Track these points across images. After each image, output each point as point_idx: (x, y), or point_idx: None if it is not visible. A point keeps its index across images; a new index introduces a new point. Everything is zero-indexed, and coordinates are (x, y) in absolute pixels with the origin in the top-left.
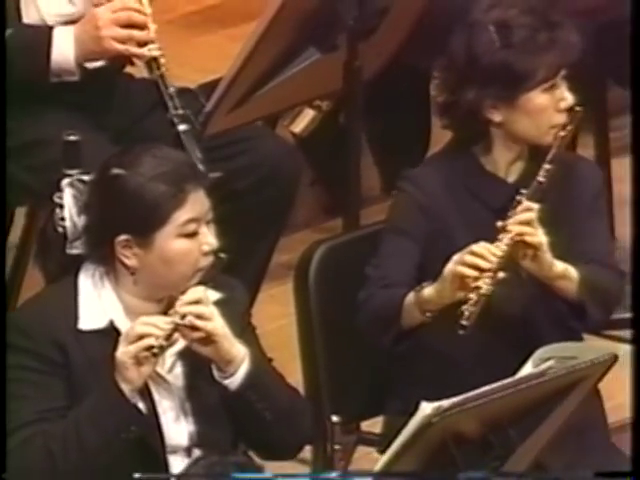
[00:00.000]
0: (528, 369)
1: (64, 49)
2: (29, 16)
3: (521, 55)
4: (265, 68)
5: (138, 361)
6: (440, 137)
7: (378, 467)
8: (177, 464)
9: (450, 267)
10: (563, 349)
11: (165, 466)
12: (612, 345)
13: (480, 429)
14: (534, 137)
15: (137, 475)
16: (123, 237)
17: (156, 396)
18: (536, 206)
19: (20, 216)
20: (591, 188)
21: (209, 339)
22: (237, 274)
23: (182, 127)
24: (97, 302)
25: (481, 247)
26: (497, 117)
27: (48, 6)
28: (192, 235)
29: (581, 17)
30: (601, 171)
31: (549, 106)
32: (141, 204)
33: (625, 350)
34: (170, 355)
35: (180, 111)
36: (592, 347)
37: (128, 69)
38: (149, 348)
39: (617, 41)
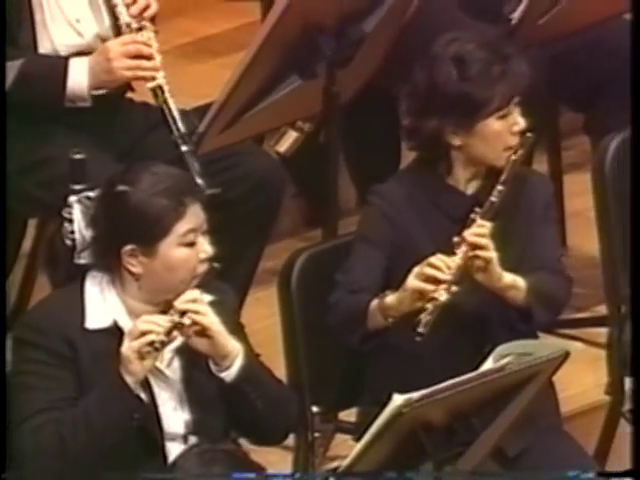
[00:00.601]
0: (489, 364)
1: (79, 78)
2: (43, 46)
3: (477, 86)
4: (252, 93)
5: (141, 355)
6: (409, 155)
7: (354, 453)
8: (174, 450)
9: (410, 280)
10: (520, 346)
11: (163, 452)
12: (564, 342)
13: (446, 418)
14: (490, 159)
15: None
16: (129, 247)
17: (155, 388)
18: (488, 224)
19: (30, 227)
20: (542, 199)
21: (206, 334)
22: (227, 279)
23: (185, 148)
24: (102, 304)
25: (438, 260)
26: (457, 141)
27: (60, 38)
28: (191, 244)
29: (535, 48)
30: (551, 183)
31: (503, 131)
32: (145, 217)
33: (576, 347)
34: (168, 351)
35: (183, 133)
36: (546, 344)
37: (129, 94)
38: (151, 343)
39: (568, 69)
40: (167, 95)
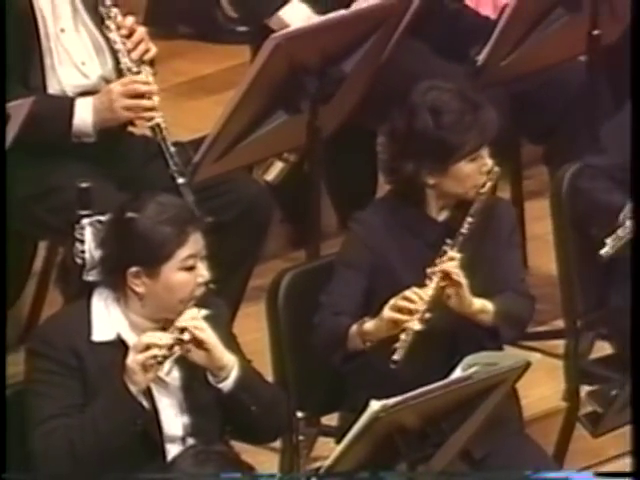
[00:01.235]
0: (458, 373)
1: (84, 117)
2: (52, 87)
3: (451, 133)
4: (243, 127)
5: (145, 368)
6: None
7: (334, 454)
8: (173, 451)
9: (386, 311)
10: (486, 357)
11: (163, 453)
12: (526, 353)
13: (419, 422)
14: (460, 194)
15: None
16: (134, 269)
17: (156, 395)
18: (459, 255)
19: (41, 249)
20: (507, 225)
21: (203, 348)
22: (221, 295)
23: (180, 180)
24: (107, 318)
25: (412, 293)
26: (431, 181)
27: (68, 79)
28: (191, 268)
29: (499, 87)
30: (515, 209)
31: (474, 172)
32: (150, 242)
33: (536, 357)
34: (168, 361)
35: (179, 167)
36: (509, 355)
37: (129, 128)
38: (154, 357)
39: (529, 106)
40: (165, 133)
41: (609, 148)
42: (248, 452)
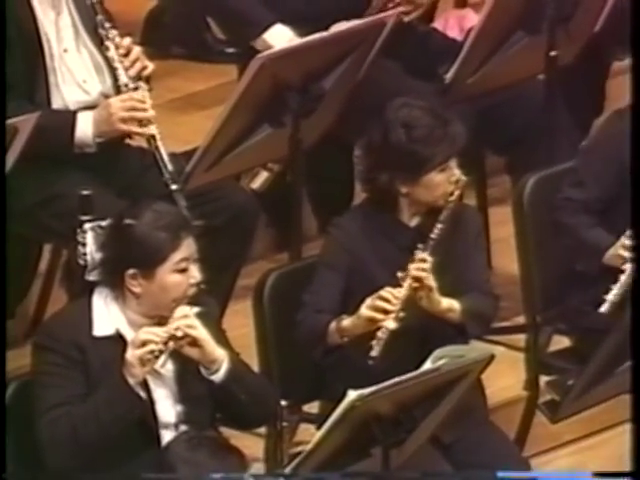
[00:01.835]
0: (428, 365)
1: (85, 129)
2: (56, 102)
3: (423, 146)
4: (231, 139)
5: (142, 362)
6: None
7: (315, 439)
8: (167, 436)
9: (363, 310)
10: (454, 350)
11: (158, 438)
12: (490, 347)
13: (392, 410)
14: (431, 202)
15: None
16: (131, 271)
17: (152, 386)
18: (429, 258)
19: (46, 252)
20: (473, 229)
21: (196, 344)
22: (211, 293)
23: (173, 187)
24: (106, 315)
25: (387, 292)
26: (404, 190)
27: (70, 96)
28: (183, 271)
29: (465, 103)
30: (480, 215)
31: (443, 181)
32: (147, 247)
33: (499, 350)
34: (163, 355)
35: (172, 175)
36: (475, 348)
37: (127, 140)
38: (151, 352)
39: (492, 120)
40: (159, 143)
41: (586, 181)
42: (236, 437)
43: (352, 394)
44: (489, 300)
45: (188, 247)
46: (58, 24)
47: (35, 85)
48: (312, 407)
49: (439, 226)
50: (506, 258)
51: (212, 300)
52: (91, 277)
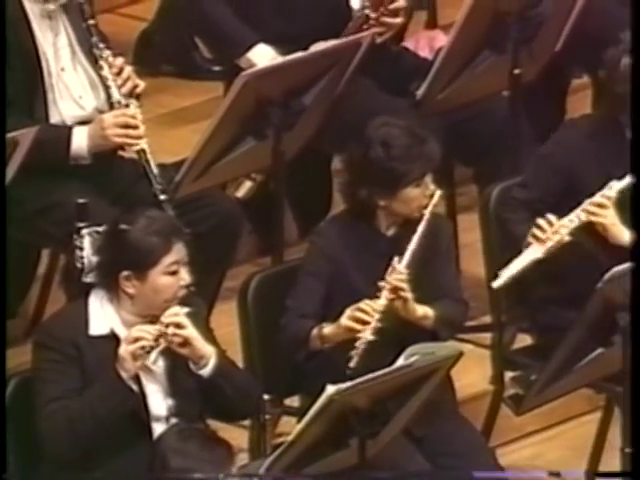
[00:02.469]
0: (400, 362)
1: (80, 142)
2: (54, 117)
3: (400, 163)
4: (217, 151)
5: (134, 357)
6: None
7: (296, 430)
8: (158, 429)
9: (343, 320)
10: (425, 348)
11: (149, 430)
12: (459, 344)
13: (368, 404)
14: (407, 214)
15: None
16: (125, 273)
17: (144, 381)
18: (405, 271)
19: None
20: (445, 239)
21: (186, 342)
22: (199, 295)
23: (162, 197)
24: (102, 315)
25: (366, 305)
26: (382, 203)
27: (67, 111)
28: (174, 273)
29: (435, 117)
30: (450, 223)
31: (419, 195)
32: (140, 251)
33: (467, 348)
34: (154, 352)
35: (161, 186)
36: (445, 346)
37: (120, 152)
38: (142, 348)
39: (461, 134)
40: (149, 156)
41: (530, 184)
42: (223, 429)
43: (330, 389)
44: (460, 307)
45: (178, 251)
46: (56, 45)
47: (34, 101)
48: (293, 401)
49: (416, 238)
50: (473, 262)
51: (200, 301)
52: (88, 279)
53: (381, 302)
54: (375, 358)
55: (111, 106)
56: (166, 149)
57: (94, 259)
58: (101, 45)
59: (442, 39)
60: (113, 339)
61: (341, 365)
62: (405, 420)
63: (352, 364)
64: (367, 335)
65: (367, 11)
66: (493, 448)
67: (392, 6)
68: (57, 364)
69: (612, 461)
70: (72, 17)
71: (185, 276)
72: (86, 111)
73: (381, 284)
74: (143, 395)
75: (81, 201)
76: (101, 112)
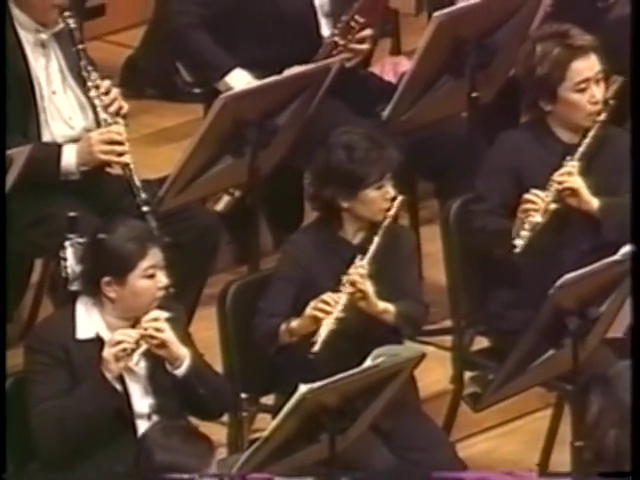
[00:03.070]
0: (368, 363)
1: (69, 159)
2: (46, 137)
3: (360, 166)
4: (197, 168)
5: (117, 358)
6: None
7: (271, 427)
8: (142, 426)
9: (307, 310)
10: (390, 349)
11: (133, 427)
12: (421, 346)
13: (338, 402)
14: (370, 217)
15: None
16: (107, 278)
17: (128, 381)
18: (366, 267)
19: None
20: (408, 246)
21: (163, 344)
22: (180, 301)
23: (145, 209)
24: (88, 320)
25: (328, 297)
26: (345, 204)
27: (58, 131)
28: (151, 276)
29: (400, 136)
30: (414, 233)
31: (379, 198)
32: (118, 257)
33: (430, 350)
34: (136, 354)
35: (144, 199)
36: (409, 348)
37: (107, 169)
38: (124, 350)
39: (423, 151)
40: (133, 172)
41: (486, 195)
42: (203, 426)
43: (303, 388)
44: (420, 307)
45: (154, 256)
46: (48, 69)
47: (28, 122)
48: (268, 399)
49: (376, 239)
50: (435, 270)
51: (180, 306)
52: (73, 287)
53: (342, 295)
54: (342, 357)
55: (98, 125)
56: (150, 166)
57: (77, 268)
58: (89, 68)
59: (405, 64)
60: (98, 342)
61: (309, 361)
62: (372, 417)
63: (315, 348)
64: (328, 322)
65: (336, 38)
66: (453, 442)
67: (359, 34)
68: (47, 367)
69: (562, 455)
70: (63, 45)
71: (162, 279)
72: (75, 131)
73: (343, 278)
74: (127, 394)
75: (71, 214)
76: (89, 131)
